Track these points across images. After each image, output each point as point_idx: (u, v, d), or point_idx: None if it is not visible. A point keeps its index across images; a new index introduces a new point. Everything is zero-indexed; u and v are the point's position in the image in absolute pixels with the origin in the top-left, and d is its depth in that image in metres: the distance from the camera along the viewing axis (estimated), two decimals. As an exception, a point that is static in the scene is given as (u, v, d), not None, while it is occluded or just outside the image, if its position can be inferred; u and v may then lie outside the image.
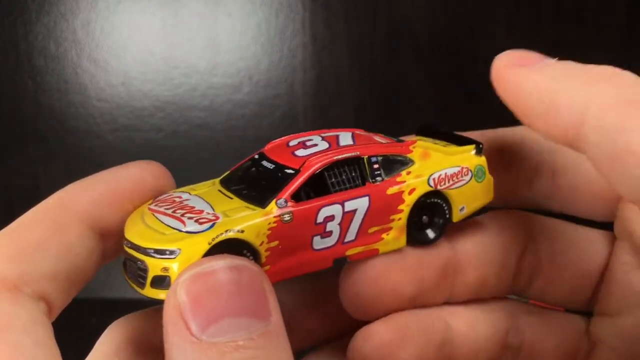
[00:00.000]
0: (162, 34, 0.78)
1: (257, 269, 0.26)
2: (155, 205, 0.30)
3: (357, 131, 0.33)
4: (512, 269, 0.34)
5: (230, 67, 0.79)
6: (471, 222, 0.34)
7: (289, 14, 0.78)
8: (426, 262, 0.32)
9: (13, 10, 0.77)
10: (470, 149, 0.33)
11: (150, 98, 0.79)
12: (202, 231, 0.27)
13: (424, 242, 0.32)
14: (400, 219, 0.31)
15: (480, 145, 0.33)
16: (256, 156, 0.32)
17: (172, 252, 0.26)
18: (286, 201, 0.29)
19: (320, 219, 0.29)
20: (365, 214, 0.30)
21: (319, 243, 0.30)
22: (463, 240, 0.34)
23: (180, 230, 0.27)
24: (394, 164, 0.32)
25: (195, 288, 0.24)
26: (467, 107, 0.76)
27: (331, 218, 0.30)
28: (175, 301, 0.24)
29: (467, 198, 0.33)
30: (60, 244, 0.27)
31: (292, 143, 0.32)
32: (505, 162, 0.34)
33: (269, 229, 0.28)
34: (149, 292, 0.27)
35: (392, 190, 0.31)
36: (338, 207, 0.30)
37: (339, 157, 0.30)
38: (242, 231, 0.27)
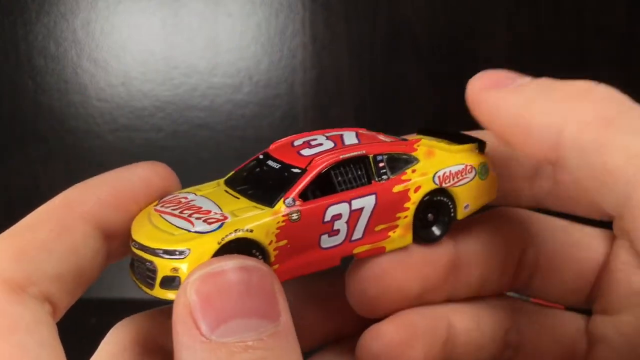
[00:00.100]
0: (162, 34, 0.78)
1: (267, 269, 0.26)
2: (162, 206, 0.30)
3: (361, 130, 0.33)
4: (512, 266, 0.35)
5: (230, 67, 0.79)
6: (472, 220, 0.34)
7: (289, 14, 0.78)
8: (431, 260, 0.33)
9: (13, 10, 0.77)
10: (474, 147, 0.33)
11: (150, 98, 0.79)
12: (211, 231, 0.27)
13: (430, 240, 0.32)
14: (407, 217, 0.31)
15: (483, 143, 0.33)
16: (261, 156, 0.32)
17: (181, 253, 0.26)
18: (294, 200, 0.29)
19: (327, 217, 0.29)
20: (372, 212, 0.30)
21: (326, 241, 0.30)
22: (465, 238, 0.34)
23: (189, 231, 0.27)
24: (399, 162, 0.32)
25: (205, 288, 0.24)
26: (467, 107, 0.75)
27: (339, 216, 0.30)
28: (185, 301, 0.24)
29: (471, 195, 0.33)
30: (65, 245, 0.27)
31: (296, 143, 0.32)
32: (505, 161, 0.34)
33: (277, 228, 0.28)
34: (158, 292, 0.27)
35: (398, 188, 0.31)
36: (345, 205, 0.30)
37: (346, 155, 0.30)
38: (251, 230, 0.27)
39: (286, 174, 0.30)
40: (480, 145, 0.33)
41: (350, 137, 0.32)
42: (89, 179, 0.29)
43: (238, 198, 0.30)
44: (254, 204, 0.29)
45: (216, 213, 0.28)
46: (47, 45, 0.78)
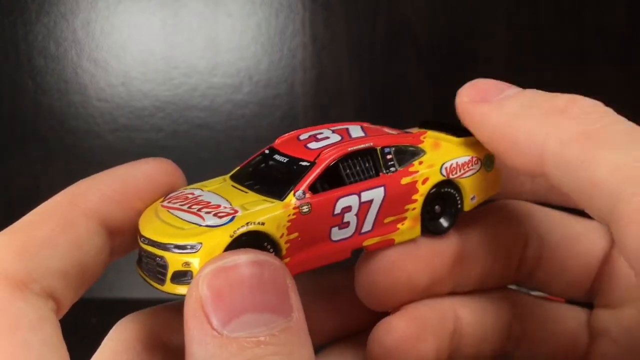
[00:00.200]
0: (162, 34, 0.78)
1: (280, 263, 0.26)
2: (168, 202, 0.29)
3: (365, 124, 0.33)
4: (515, 259, 0.35)
5: (230, 67, 0.79)
6: (476, 212, 0.34)
7: (289, 14, 0.78)
8: (439, 252, 0.33)
9: (13, 10, 0.77)
10: (478, 139, 0.33)
11: (150, 98, 0.79)
12: (223, 224, 0.27)
13: (438, 232, 0.33)
14: (415, 209, 0.31)
15: None
16: (266, 151, 0.32)
17: (193, 247, 0.26)
18: (304, 192, 0.29)
19: (338, 209, 0.29)
20: (381, 205, 0.30)
21: (337, 234, 0.30)
22: (469, 230, 0.34)
23: (200, 225, 0.27)
24: (406, 155, 0.32)
25: (217, 282, 0.24)
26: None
27: (348, 209, 0.30)
28: (197, 295, 0.24)
29: (477, 187, 0.33)
30: (69, 241, 0.27)
31: (302, 137, 0.32)
32: None
33: (288, 221, 0.28)
34: (169, 288, 0.27)
35: (406, 180, 0.31)
36: (355, 197, 0.30)
37: (353, 148, 0.30)
38: (263, 223, 0.27)
39: (295, 167, 0.30)
40: None
41: (356, 130, 0.32)
42: (94, 175, 0.29)
43: (246, 192, 0.29)
44: (264, 197, 0.29)
45: (226, 207, 0.28)
46: (47, 45, 0.78)
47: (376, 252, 0.32)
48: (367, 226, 0.31)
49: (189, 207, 0.28)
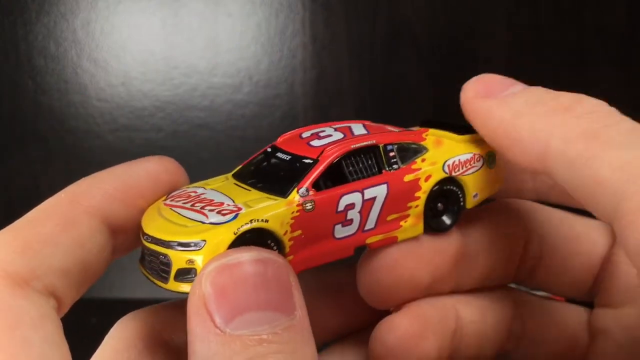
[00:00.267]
0: (162, 34, 0.78)
1: (283, 261, 0.26)
2: (171, 200, 0.29)
3: (367, 122, 0.33)
4: (516, 258, 0.35)
5: (230, 67, 0.79)
6: (478, 211, 0.34)
7: (289, 14, 0.78)
8: (441, 250, 0.33)
9: (13, 10, 0.77)
10: (480, 137, 0.33)
11: (150, 98, 0.79)
12: (226, 222, 0.27)
13: (441, 229, 0.32)
14: (418, 206, 0.31)
15: None
16: (268, 149, 0.32)
17: (196, 244, 0.26)
18: (308, 190, 0.29)
19: (341, 207, 0.29)
20: (384, 202, 0.30)
21: (340, 232, 0.30)
22: (471, 228, 0.34)
23: (203, 222, 0.27)
24: (409, 152, 0.32)
25: (220, 280, 0.24)
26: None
27: (352, 206, 0.30)
28: (200, 292, 0.24)
29: (480, 184, 0.33)
30: (71, 239, 0.27)
31: (305, 135, 0.32)
32: None
33: (292, 218, 0.28)
34: (173, 285, 0.27)
35: (408, 177, 0.31)
36: (358, 195, 0.30)
37: (356, 145, 0.30)
38: (267, 221, 0.27)
39: (297, 164, 0.30)
40: None
41: (358, 128, 0.32)
42: (96, 173, 0.29)
43: (249, 190, 0.29)
44: (267, 195, 0.29)
45: (229, 205, 0.28)
46: (47, 45, 0.78)
47: (379, 249, 0.32)
48: (370, 224, 0.30)
49: (192, 205, 0.28)
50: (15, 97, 0.79)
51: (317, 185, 0.29)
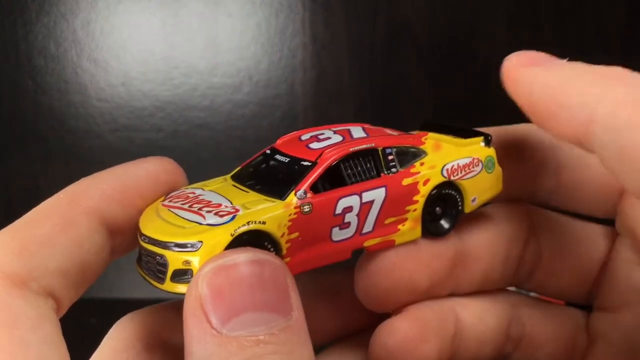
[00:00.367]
0: (162, 34, 0.78)
1: (280, 262, 0.25)
2: (169, 201, 0.29)
3: (366, 125, 0.33)
4: (515, 261, 0.35)
5: (230, 67, 0.79)
6: (477, 214, 0.34)
7: (289, 14, 0.78)
8: (439, 253, 0.33)
9: (13, 10, 0.77)
10: (479, 141, 0.33)
11: (150, 98, 0.79)
12: (223, 223, 0.27)
13: (439, 233, 0.32)
14: (416, 210, 0.31)
15: (489, 137, 0.33)
16: (267, 151, 0.32)
17: (193, 245, 0.26)
18: (305, 192, 0.29)
19: (339, 210, 0.29)
20: (382, 205, 0.30)
21: (337, 234, 0.30)
22: (470, 232, 0.34)
23: (201, 223, 0.27)
24: (408, 156, 0.32)
25: (217, 281, 0.24)
26: (467, 107, 0.76)
27: (349, 209, 0.30)
28: (197, 293, 0.24)
29: (478, 189, 0.33)
30: (70, 239, 0.26)
31: (304, 137, 0.32)
32: (509, 158, 0.34)
33: (289, 221, 0.28)
34: (169, 286, 0.27)
35: (407, 181, 0.31)
36: (356, 198, 0.30)
37: (355, 148, 0.30)
38: (264, 222, 0.27)
39: (296, 167, 0.30)
40: (487, 139, 0.33)
41: (357, 131, 0.32)
42: (94, 174, 0.29)
43: (247, 192, 0.29)
44: (265, 197, 0.29)
45: (227, 206, 0.28)
46: (47, 45, 0.78)
47: (376, 253, 0.32)
48: (368, 227, 0.30)
49: (190, 206, 0.28)
50: (15, 97, 0.79)
51: (315, 188, 0.29)
